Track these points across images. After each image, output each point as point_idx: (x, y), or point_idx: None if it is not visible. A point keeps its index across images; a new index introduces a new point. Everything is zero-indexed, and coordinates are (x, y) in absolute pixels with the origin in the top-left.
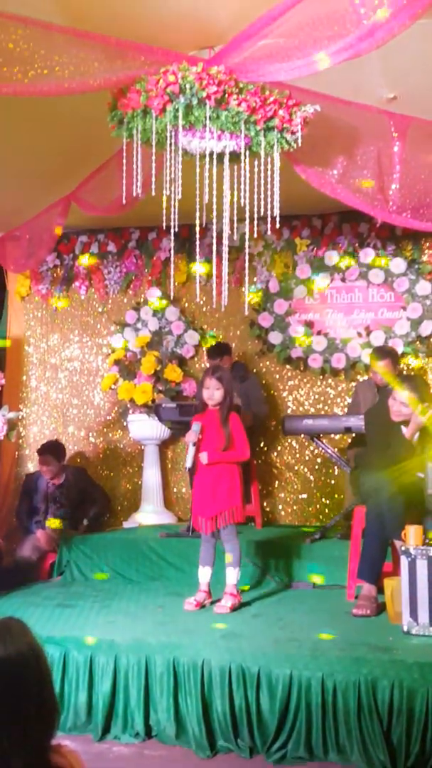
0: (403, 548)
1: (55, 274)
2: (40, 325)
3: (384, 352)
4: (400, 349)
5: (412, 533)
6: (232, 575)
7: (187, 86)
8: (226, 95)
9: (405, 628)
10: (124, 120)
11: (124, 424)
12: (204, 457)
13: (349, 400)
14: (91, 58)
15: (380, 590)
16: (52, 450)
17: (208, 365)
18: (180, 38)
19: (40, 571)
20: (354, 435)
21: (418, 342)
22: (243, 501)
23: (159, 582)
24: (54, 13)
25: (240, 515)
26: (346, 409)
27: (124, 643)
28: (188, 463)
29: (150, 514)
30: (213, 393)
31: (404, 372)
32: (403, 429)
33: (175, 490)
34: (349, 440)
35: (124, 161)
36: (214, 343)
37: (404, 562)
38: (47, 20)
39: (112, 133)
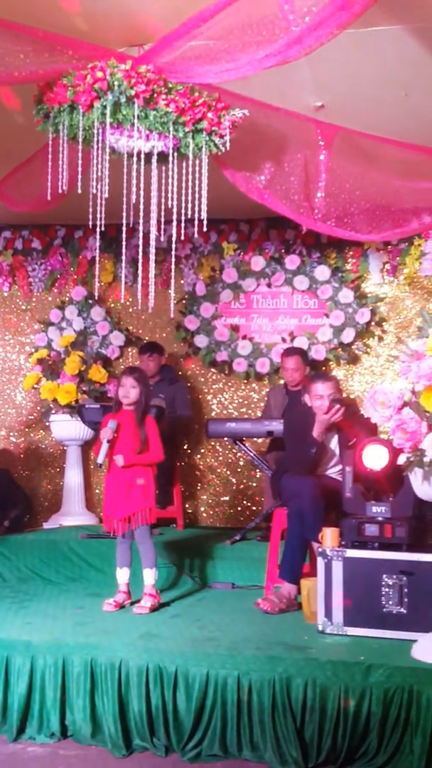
0: (319, 550)
1: None
2: None
3: (293, 350)
4: (322, 356)
5: (329, 535)
6: (149, 576)
7: (116, 83)
8: (155, 95)
9: (320, 628)
10: (50, 114)
11: (47, 424)
12: (119, 460)
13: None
14: (16, 49)
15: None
16: None
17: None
18: (109, 34)
19: None
20: (273, 439)
21: (340, 349)
22: (157, 501)
23: (79, 583)
24: None
25: (153, 516)
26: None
27: (42, 644)
28: (100, 459)
29: (71, 515)
30: (129, 391)
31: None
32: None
33: (97, 491)
34: (268, 443)
35: (50, 157)
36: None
37: (320, 563)
38: None
39: (38, 128)
